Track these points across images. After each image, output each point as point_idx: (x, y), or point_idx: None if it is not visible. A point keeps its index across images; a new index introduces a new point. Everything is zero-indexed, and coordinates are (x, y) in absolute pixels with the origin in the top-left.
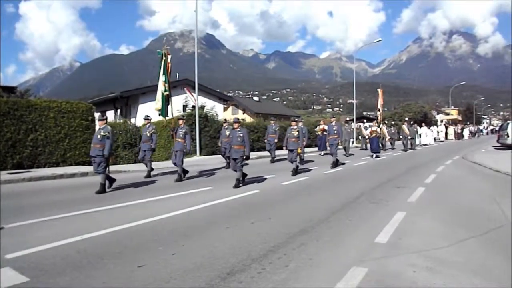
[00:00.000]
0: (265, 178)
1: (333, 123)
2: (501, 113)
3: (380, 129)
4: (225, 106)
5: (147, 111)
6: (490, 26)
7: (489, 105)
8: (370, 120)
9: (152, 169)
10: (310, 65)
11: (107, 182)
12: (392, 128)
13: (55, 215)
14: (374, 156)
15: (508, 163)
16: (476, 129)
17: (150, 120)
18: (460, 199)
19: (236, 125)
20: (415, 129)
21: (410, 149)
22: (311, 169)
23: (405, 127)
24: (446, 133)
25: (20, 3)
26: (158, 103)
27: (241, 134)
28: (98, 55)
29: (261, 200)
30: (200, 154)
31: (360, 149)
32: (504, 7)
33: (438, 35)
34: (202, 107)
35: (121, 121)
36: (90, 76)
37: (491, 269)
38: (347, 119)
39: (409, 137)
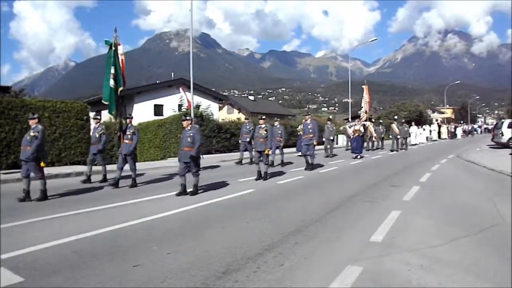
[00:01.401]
0: (259, 178)
1: (308, 121)
2: (496, 112)
3: (367, 127)
4: (221, 105)
5: (142, 110)
6: (485, 25)
7: (483, 104)
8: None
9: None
10: (305, 64)
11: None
12: (380, 127)
13: (50, 215)
14: (356, 156)
15: (502, 162)
16: (470, 128)
17: (100, 120)
18: (455, 198)
19: (185, 124)
20: (406, 128)
21: (401, 149)
22: (284, 173)
23: (394, 126)
24: (439, 132)
25: (15, 2)
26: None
27: (191, 134)
28: (93, 54)
29: (256, 199)
30: None
31: (346, 149)
32: (498, 6)
33: (433, 34)
34: (198, 106)
35: (116, 120)
36: (85, 75)
37: (485, 267)
38: (330, 117)
39: (399, 136)
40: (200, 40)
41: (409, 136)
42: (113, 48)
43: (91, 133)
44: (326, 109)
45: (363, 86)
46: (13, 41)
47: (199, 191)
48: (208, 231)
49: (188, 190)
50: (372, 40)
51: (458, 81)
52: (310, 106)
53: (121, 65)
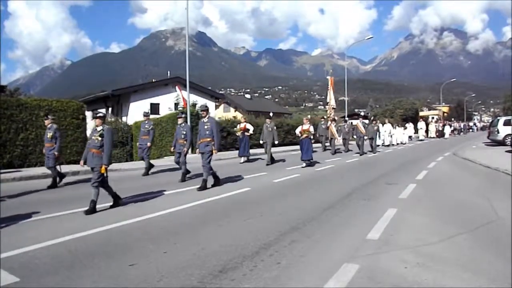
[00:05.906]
0: (256, 176)
1: (206, 119)
2: (492, 109)
3: (328, 127)
4: (217, 103)
5: (138, 109)
6: (480, 23)
7: (479, 102)
8: (364, 118)
9: None
10: (301, 63)
11: None
12: (345, 126)
13: (45, 215)
14: (305, 165)
15: (497, 159)
16: (462, 126)
17: None
18: (451, 195)
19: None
20: (376, 127)
21: (370, 151)
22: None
23: (360, 124)
24: (427, 131)
25: (9, 1)
26: None
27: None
28: (89, 53)
29: (253, 198)
30: (192, 152)
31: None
32: (493, 5)
33: (429, 31)
34: (194, 105)
35: (113, 119)
36: (81, 74)
37: (481, 264)
38: (271, 114)
39: (366, 137)
40: (196, 39)
41: (379, 137)
42: None
43: None
44: (322, 107)
45: (328, 77)
46: (8, 40)
47: None
48: (204, 229)
49: None
50: (368, 38)
51: (454, 79)
52: (306, 104)
53: None
